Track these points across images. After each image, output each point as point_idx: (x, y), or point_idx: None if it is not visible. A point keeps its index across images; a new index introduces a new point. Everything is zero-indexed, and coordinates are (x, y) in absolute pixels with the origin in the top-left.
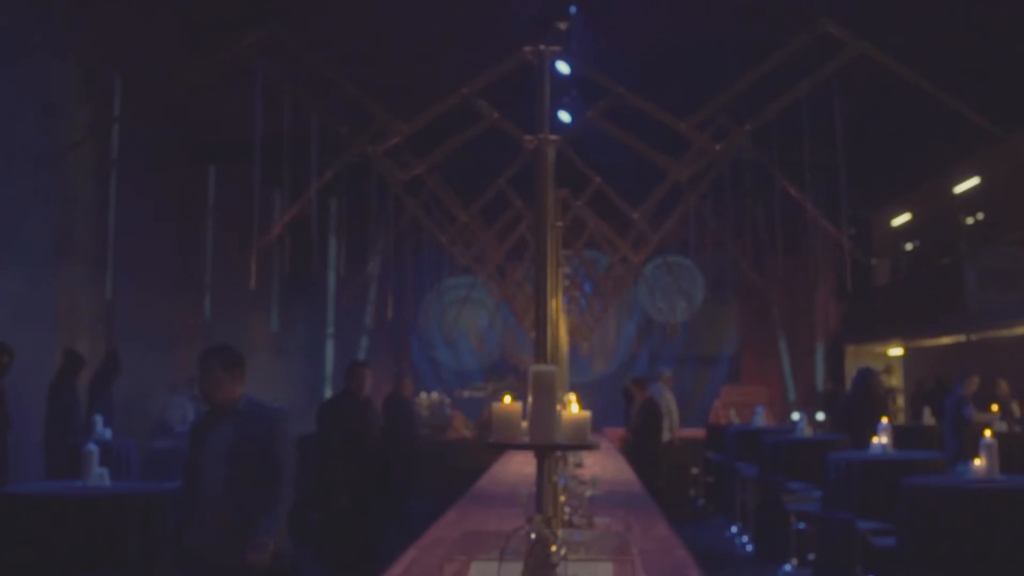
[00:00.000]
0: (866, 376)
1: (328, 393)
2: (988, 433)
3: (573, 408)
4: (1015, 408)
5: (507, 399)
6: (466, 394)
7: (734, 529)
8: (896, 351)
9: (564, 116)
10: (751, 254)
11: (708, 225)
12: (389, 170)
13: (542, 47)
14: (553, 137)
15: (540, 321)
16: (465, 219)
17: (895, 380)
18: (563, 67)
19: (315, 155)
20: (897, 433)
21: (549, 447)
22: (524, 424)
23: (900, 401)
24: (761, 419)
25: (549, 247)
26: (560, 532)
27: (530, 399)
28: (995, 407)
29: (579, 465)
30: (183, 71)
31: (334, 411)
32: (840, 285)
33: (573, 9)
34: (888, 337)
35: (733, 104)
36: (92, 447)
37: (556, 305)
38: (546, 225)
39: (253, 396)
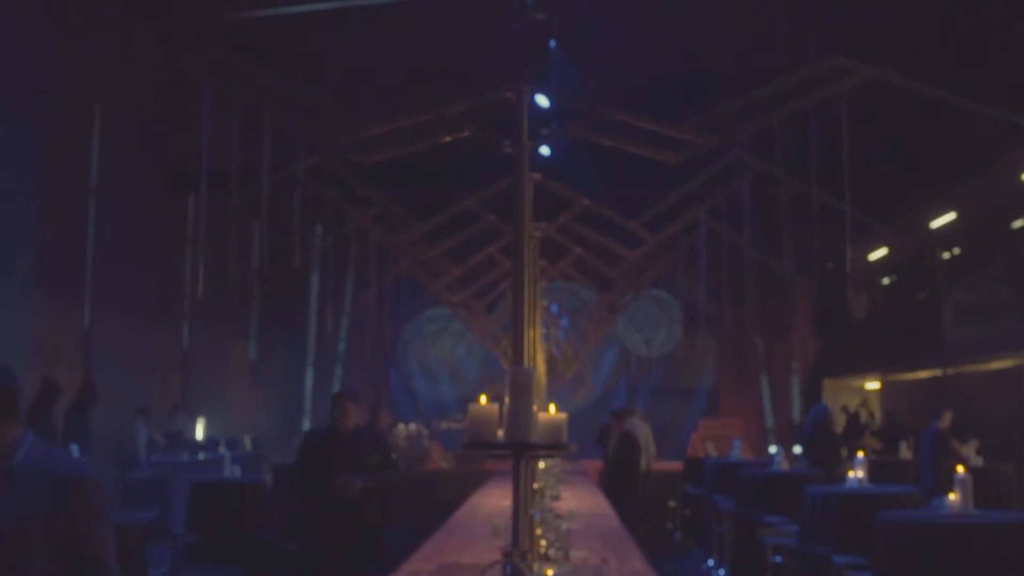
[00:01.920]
0: (821, 414)
1: (307, 423)
2: (961, 469)
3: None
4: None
5: (483, 399)
6: (444, 425)
7: (711, 562)
8: (873, 385)
9: (544, 150)
10: (731, 288)
11: (724, 235)
12: (357, 155)
13: (522, 85)
14: (530, 143)
15: (517, 323)
16: (420, 231)
17: (866, 412)
18: (542, 101)
19: (267, 167)
20: (872, 467)
21: (525, 446)
22: (500, 433)
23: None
24: (738, 452)
25: (527, 253)
26: (536, 566)
27: (507, 399)
28: (975, 445)
29: (556, 498)
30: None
31: (310, 445)
32: (821, 319)
33: (552, 43)
34: (865, 371)
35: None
36: None
37: (535, 316)
38: (524, 233)
39: (42, 445)
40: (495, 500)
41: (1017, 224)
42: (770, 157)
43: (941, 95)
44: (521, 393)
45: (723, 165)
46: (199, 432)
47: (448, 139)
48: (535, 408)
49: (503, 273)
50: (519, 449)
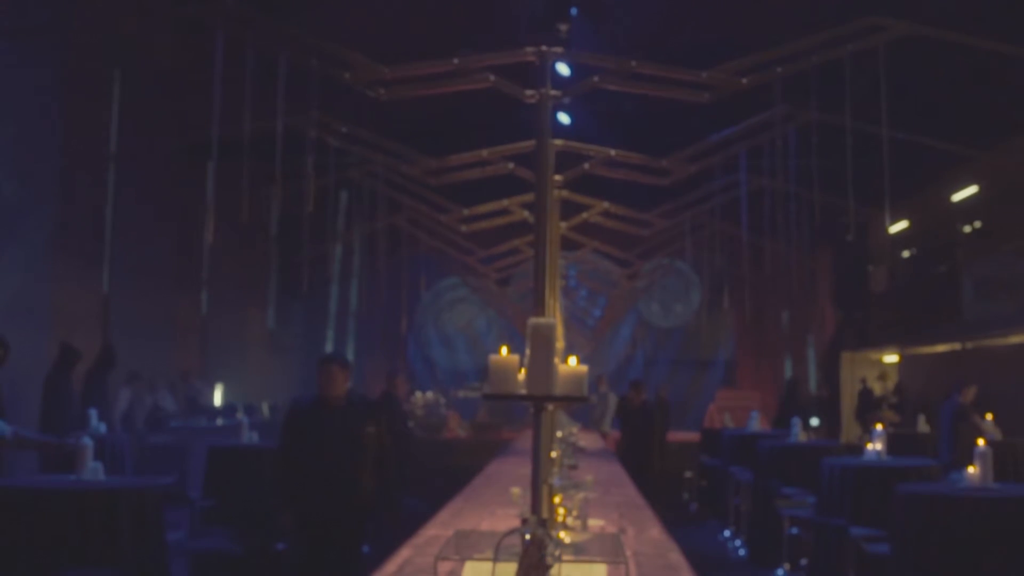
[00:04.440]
0: (792, 385)
1: None
2: (981, 441)
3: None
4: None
5: (504, 350)
6: (461, 394)
7: (727, 533)
8: (891, 358)
9: (563, 118)
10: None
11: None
12: (371, 88)
13: (544, 47)
14: (554, 92)
15: (539, 272)
16: (431, 165)
17: (881, 386)
18: (563, 69)
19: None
20: (890, 440)
21: (546, 398)
22: (521, 377)
23: (887, 411)
24: (756, 424)
25: (548, 199)
26: (554, 533)
27: (528, 351)
28: (990, 415)
29: (573, 467)
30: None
31: (297, 415)
32: (838, 292)
33: (574, 11)
34: (884, 344)
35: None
36: (87, 441)
37: (554, 270)
38: (547, 182)
39: None
40: (513, 468)
41: None
42: (803, 108)
43: (980, 43)
44: (542, 344)
45: (755, 119)
46: (217, 398)
47: (471, 87)
48: (555, 360)
49: (515, 223)
50: (539, 400)
